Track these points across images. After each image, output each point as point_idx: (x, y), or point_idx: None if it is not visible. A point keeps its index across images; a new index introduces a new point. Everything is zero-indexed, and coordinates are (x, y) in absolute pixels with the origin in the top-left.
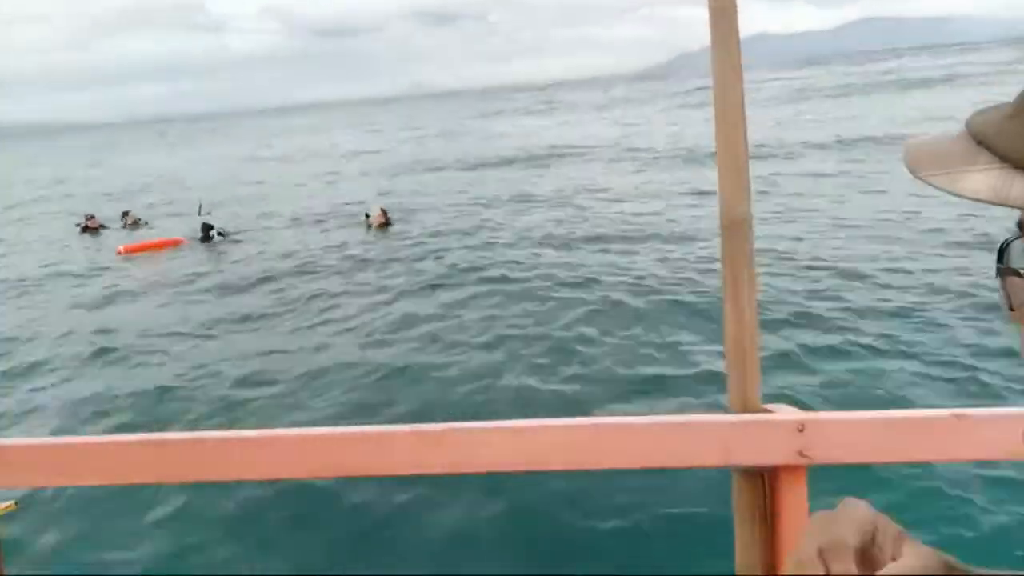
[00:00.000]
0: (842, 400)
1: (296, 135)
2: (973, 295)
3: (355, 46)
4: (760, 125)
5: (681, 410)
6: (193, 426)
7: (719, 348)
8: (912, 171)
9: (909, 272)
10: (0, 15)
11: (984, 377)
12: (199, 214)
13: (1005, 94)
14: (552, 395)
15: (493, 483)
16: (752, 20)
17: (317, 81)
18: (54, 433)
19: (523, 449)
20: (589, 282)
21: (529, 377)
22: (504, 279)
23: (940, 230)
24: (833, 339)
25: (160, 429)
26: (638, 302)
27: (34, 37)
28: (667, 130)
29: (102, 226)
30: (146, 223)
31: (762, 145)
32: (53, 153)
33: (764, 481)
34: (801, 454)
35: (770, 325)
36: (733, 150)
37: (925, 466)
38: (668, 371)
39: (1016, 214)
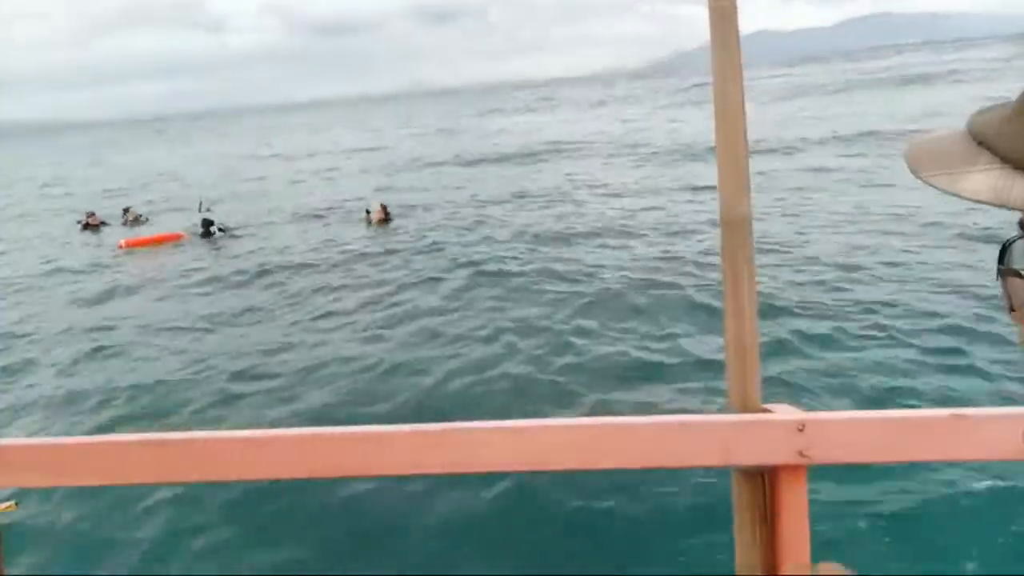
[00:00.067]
0: (839, 388)
1: (296, 133)
2: (974, 290)
3: (355, 44)
4: (761, 121)
5: (677, 397)
6: (193, 419)
7: (715, 338)
8: (913, 171)
9: (910, 266)
10: (0, 13)
11: (983, 369)
12: (199, 210)
13: (1005, 90)
14: (550, 386)
15: (493, 483)
16: (752, 18)
17: (317, 79)
18: (54, 429)
19: (523, 449)
20: (588, 276)
21: (528, 370)
22: (503, 274)
23: (941, 224)
24: (833, 331)
25: (160, 423)
26: (636, 295)
27: (34, 36)
28: (666, 127)
29: (103, 223)
30: (147, 219)
31: (761, 140)
32: (53, 152)
33: (764, 481)
34: (801, 454)
35: (771, 316)
36: (733, 149)
37: (925, 466)
38: (665, 359)
39: (1018, 214)
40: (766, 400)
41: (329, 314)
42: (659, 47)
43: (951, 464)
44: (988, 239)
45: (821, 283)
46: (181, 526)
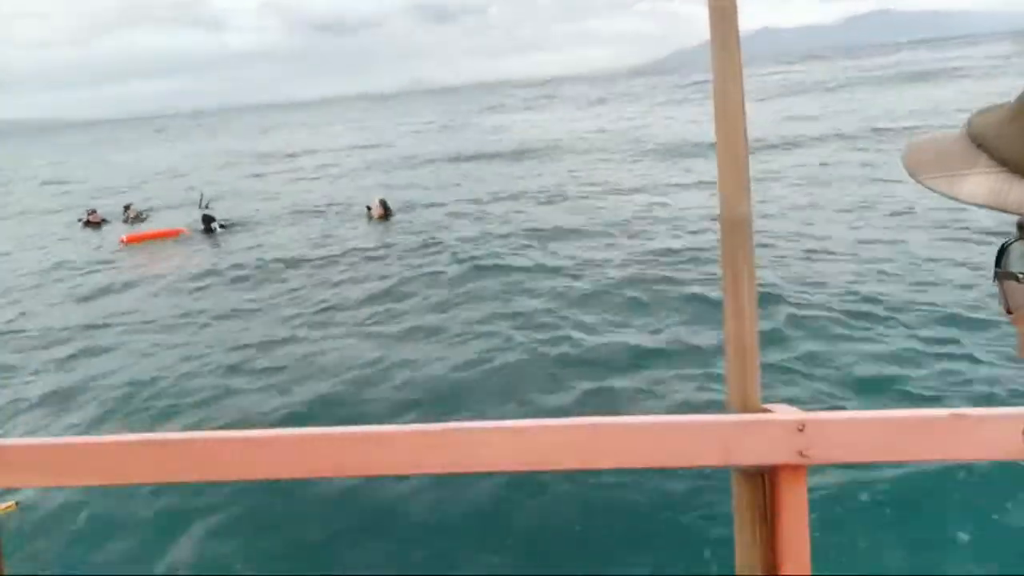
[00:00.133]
0: (839, 381)
1: (296, 131)
2: (974, 284)
3: (355, 42)
4: (762, 117)
5: (676, 389)
6: (193, 414)
7: (715, 331)
8: (912, 174)
9: (911, 259)
10: (0, 12)
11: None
12: (200, 206)
13: (1007, 87)
14: (550, 378)
15: (493, 482)
16: (754, 16)
17: (317, 78)
18: (56, 426)
19: (523, 449)
20: (587, 271)
21: (527, 363)
22: (502, 268)
23: (942, 220)
24: (833, 325)
25: (160, 417)
26: (636, 290)
27: (34, 35)
28: (665, 123)
29: (104, 220)
30: (147, 216)
31: (762, 138)
32: (53, 151)
33: (764, 481)
34: (801, 454)
35: (771, 310)
36: (733, 149)
37: (924, 466)
38: (664, 351)
39: (1016, 216)
40: (766, 400)
41: (330, 308)
42: (659, 45)
43: (951, 464)
44: (992, 232)
45: (821, 279)
46: (180, 525)
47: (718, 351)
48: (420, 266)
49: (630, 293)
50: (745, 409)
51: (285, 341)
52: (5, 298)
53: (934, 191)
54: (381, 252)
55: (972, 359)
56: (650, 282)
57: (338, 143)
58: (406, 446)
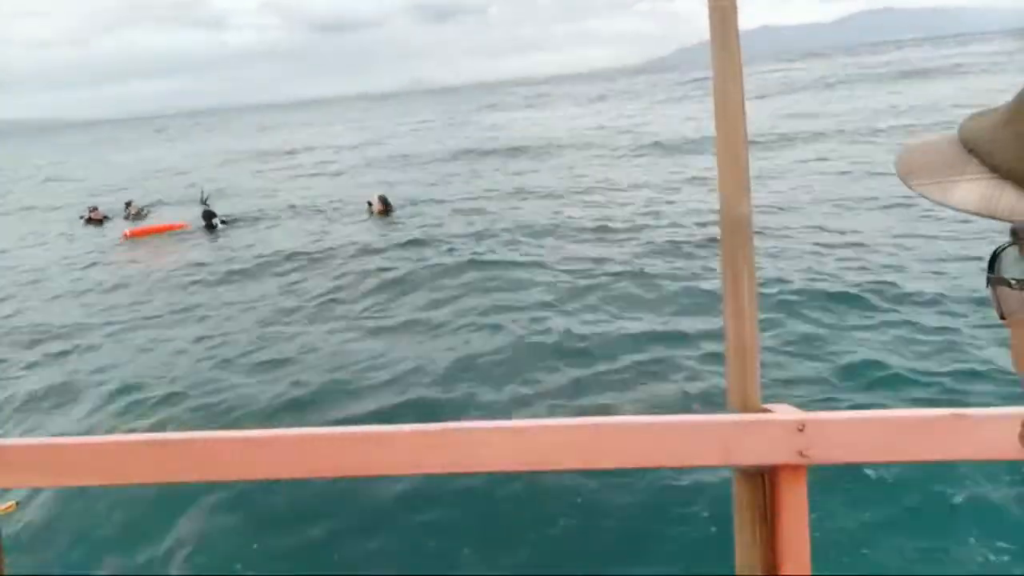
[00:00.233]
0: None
1: (296, 129)
2: (975, 281)
3: (355, 42)
4: (762, 114)
5: (677, 384)
6: (192, 408)
7: (715, 323)
8: (903, 180)
9: (912, 252)
10: (0, 12)
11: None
12: (201, 202)
13: (1008, 84)
14: (549, 372)
15: (493, 482)
16: (755, 14)
17: (317, 77)
18: (58, 424)
19: (523, 449)
20: (587, 267)
21: (527, 359)
22: (502, 264)
23: (942, 215)
24: (833, 319)
25: (159, 412)
26: (636, 286)
27: (34, 35)
28: (664, 120)
29: (105, 217)
30: (148, 213)
31: (762, 134)
32: (53, 150)
33: (764, 481)
34: (801, 454)
35: (772, 304)
36: (733, 149)
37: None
38: (664, 345)
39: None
40: (766, 399)
41: (331, 302)
42: (659, 44)
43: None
44: (994, 229)
45: (821, 273)
46: (181, 524)
47: (716, 344)
48: (421, 261)
49: (628, 288)
50: (745, 409)
51: (286, 334)
52: (5, 293)
53: (925, 197)
54: (381, 247)
55: (975, 350)
56: (649, 277)
57: (338, 141)
58: (406, 446)
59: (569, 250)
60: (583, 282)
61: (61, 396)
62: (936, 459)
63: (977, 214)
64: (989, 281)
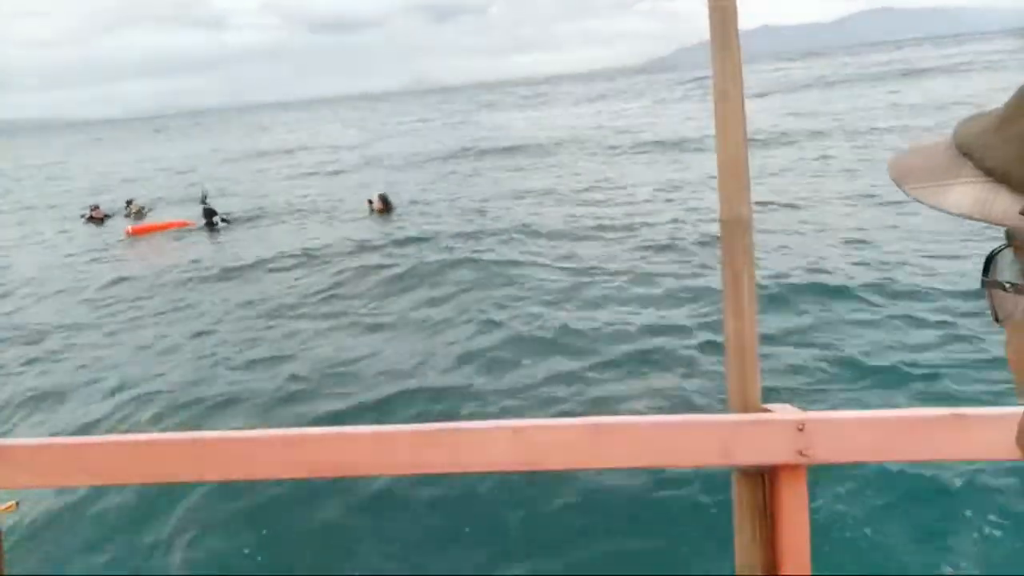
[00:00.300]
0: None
1: (297, 128)
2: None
3: (355, 41)
4: (763, 113)
5: (676, 380)
6: (192, 406)
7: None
8: (898, 183)
9: (911, 249)
10: (0, 11)
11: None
12: (202, 201)
13: (1009, 82)
14: (549, 370)
15: (492, 482)
16: (755, 13)
17: (317, 77)
18: (60, 423)
19: (523, 449)
20: (587, 265)
21: (527, 357)
22: (502, 263)
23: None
24: (833, 317)
25: (162, 412)
26: (636, 284)
27: (34, 34)
28: (664, 119)
29: (106, 215)
30: (149, 211)
31: (761, 131)
32: (54, 150)
33: (764, 481)
34: (801, 454)
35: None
36: (733, 149)
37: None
38: (665, 342)
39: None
40: (766, 399)
41: (332, 299)
42: (659, 44)
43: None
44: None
45: (822, 270)
46: (181, 524)
47: (716, 343)
48: (420, 259)
49: (627, 285)
50: (745, 409)
51: (286, 331)
52: (6, 290)
53: (920, 201)
54: (381, 245)
55: (975, 344)
56: (648, 275)
57: (338, 141)
58: (406, 446)
59: (568, 248)
60: (582, 279)
61: (61, 393)
62: (935, 459)
63: (971, 218)
64: (984, 284)
